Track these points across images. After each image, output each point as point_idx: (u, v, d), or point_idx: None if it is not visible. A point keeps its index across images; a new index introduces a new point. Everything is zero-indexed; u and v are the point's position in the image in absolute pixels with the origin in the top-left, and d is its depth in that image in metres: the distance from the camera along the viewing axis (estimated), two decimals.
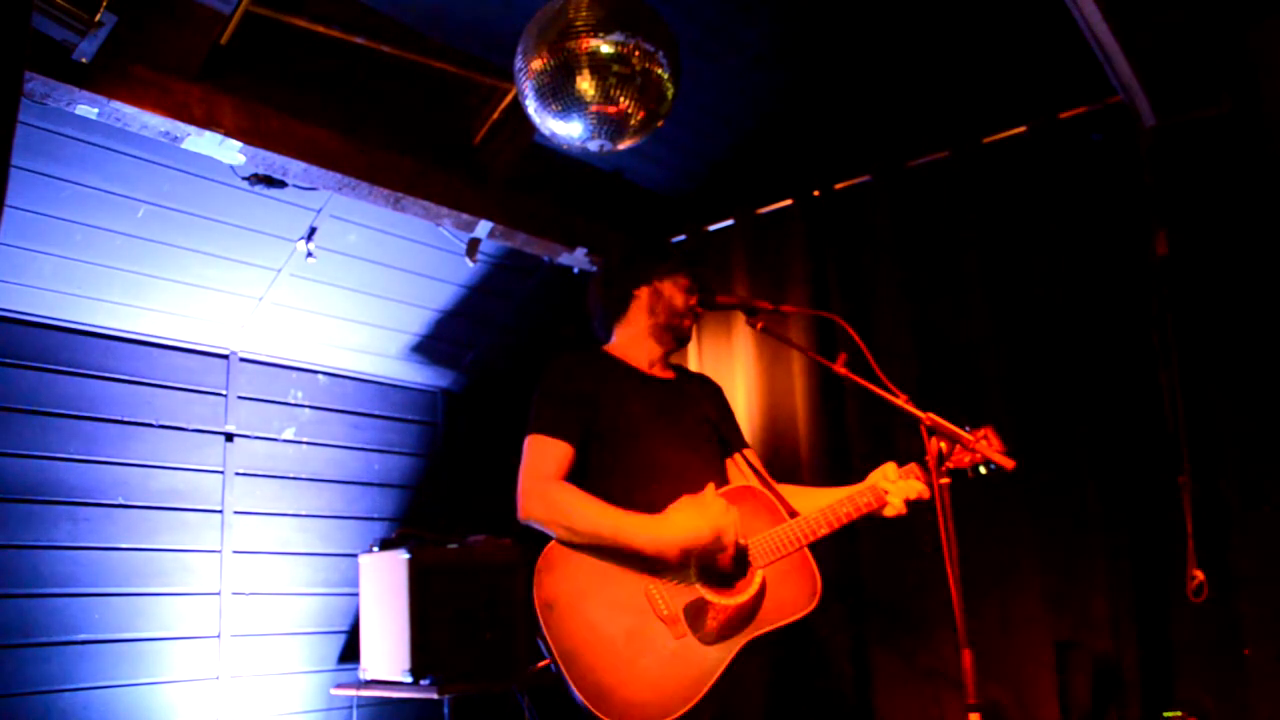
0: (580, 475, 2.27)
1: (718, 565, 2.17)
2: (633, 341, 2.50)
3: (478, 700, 3.64)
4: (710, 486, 2.21)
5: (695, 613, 2.14)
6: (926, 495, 2.26)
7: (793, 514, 2.30)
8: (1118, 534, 2.95)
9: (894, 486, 2.28)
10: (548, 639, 2.08)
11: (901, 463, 2.34)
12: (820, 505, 2.29)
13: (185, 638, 3.59)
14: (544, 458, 2.25)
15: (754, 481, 2.41)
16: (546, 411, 2.30)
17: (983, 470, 2.21)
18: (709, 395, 2.59)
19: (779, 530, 2.25)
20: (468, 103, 3.52)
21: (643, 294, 2.50)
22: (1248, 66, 2.74)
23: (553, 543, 2.18)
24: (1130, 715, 2.85)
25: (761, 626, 2.18)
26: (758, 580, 2.18)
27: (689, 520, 2.14)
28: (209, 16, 2.80)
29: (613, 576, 2.16)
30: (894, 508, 2.28)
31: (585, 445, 2.30)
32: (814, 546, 2.30)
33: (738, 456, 2.50)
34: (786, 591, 2.22)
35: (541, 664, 2.15)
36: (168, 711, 3.49)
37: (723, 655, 2.13)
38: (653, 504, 2.21)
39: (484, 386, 4.73)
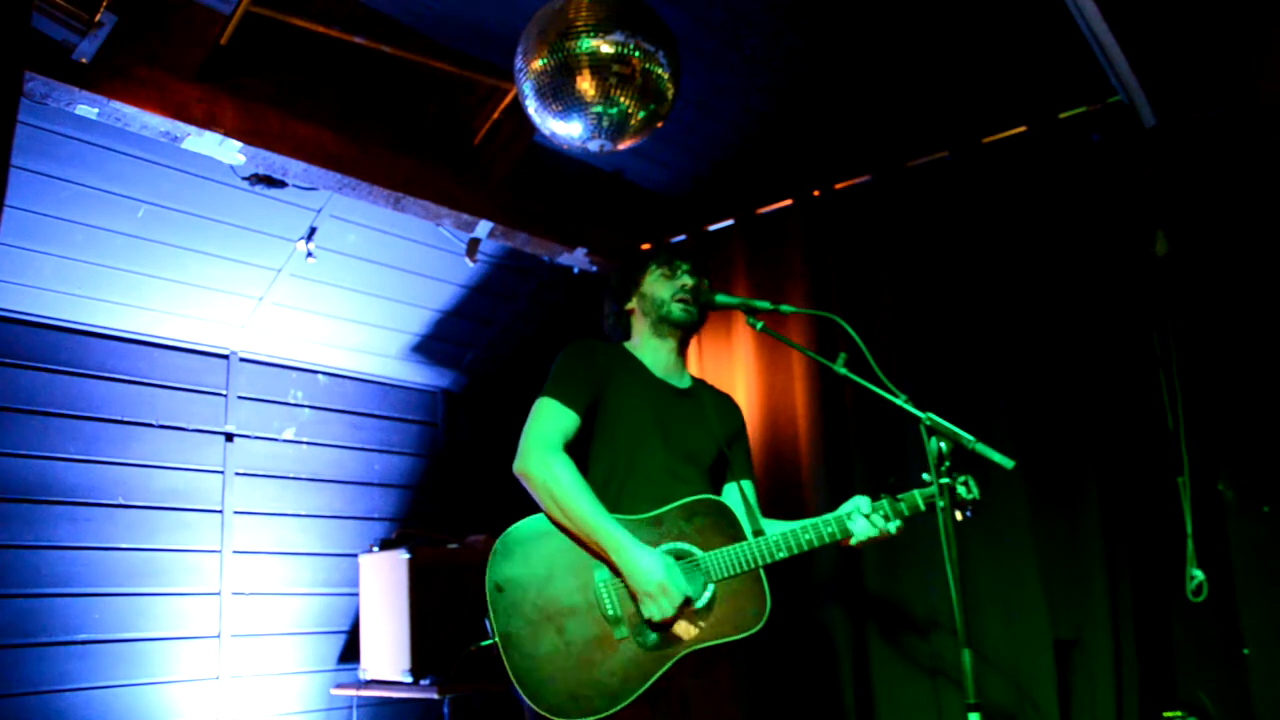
0: (573, 450, 2.31)
1: (646, 617, 2.16)
2: (641, 346, 2.54)
3: (478, 700, 3.64)
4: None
5: (640, 617, 2.16)
6: (889, 535, 2.30)
7: (757, 533, 2.30)
8: (1118, 533, 2.95)
9: (862, 524, 2.29)
10: (493, 622, 2.15)
11: (875, 495, 2.35)
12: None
13: (185, 638, 3.59)
14: (552, 422, 2.28)
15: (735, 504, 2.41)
16: (562, 379, 2.34)
17: (959, 516, 2.20)
18: (724, 415, 2.57)
19: (738, 548, 2.25)
20: (468, 103, 3.52)
21: (634, 305, 2.56)
22: (1255, 67, 2.73)
23: (514, 528, 2.24)
24: (1130, 715, 2.85)
25: (703, 639, 2.18)
26: (708, 593, 2.19)
27: (648, 565, 2.14)
28: (209, 16, 2.80)
29: (566, 569, 2.19)
30: (859, 541, 2.30)
31: (585, 420, 2.33)
32: (813, 550, 2.30)
33: (735, 486, 2.50)
34: (735, 608, 2.22)
35: (485, 644, 2.21)
36: (168, 711, 3.50)
37: (660, 661, 2.14)
38: (620, 500, 2.26)
39: (484, 386, 4.73)
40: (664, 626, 2.16)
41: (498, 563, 2.22)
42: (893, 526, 2.30)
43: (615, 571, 2.18)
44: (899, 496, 2.33)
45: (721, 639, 2.19)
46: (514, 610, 2.16)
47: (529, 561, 2.21)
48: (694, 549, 2.25)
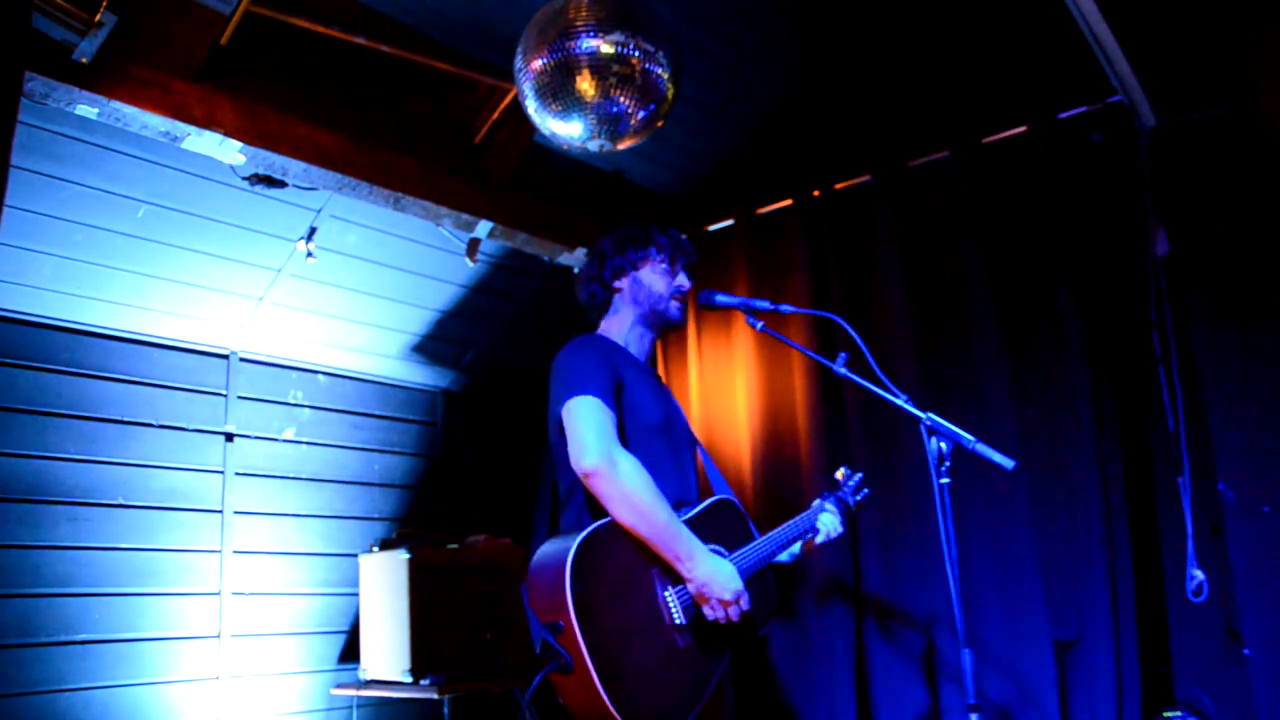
0: None
1: (713, 619, 2.18)
2: (624, 331, 2.52)
3: (478, 700, 3.64)
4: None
5: (696, 623, 2.17)
6: (839, 530, 2.63)
7: (756, 532, 2.45)
8: (1118, 534, 2.95)
9: (824, 518, 2.61)
10: (578, 636, 1.96)
11: (828, 489, 2.72)
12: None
13: (185, 638, 3.59)
14: (606, 421, 2.19)
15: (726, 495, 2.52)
16: (591, 375, 2.25)
17: (855, 510, 2.80)
18: (679, 406, 2.68)
19: (755, 548, 2.34)
20: (468, 103, 3.52)
21: (624, 284, 2.53)
22: (1249, 67, 2.74)
23: (582, 543, 2.07)
24: (1130, 715, 2.85)
25: (739, 638, 2.24)
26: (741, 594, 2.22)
27: (725, 572, 2.18)
28: (209, 16, 2.80)
29: (636, 580, 2.15)
30: (821, 538, 2.59)
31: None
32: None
33: (701, 457, 2.63)
34: (756, 607, 2.29)
35: (555, 666, 2.02)
36: (168, 711, 3.49)
37: (714, 663, 2.18)
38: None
39: (484, 386, 4.73)
40: (716, 629, 2.18)
41: (576, 580, 2.03)
42: (839, 521, 2.63)
43: (669, 578, 2.17)
44: (839, 497, 2.72)
45: (749, 634, 2.26)
46: (599, 628, 2.02)
47: (602, 576, 2.09)
48: (724, 550, 2.29)
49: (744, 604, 2.17)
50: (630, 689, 2.01)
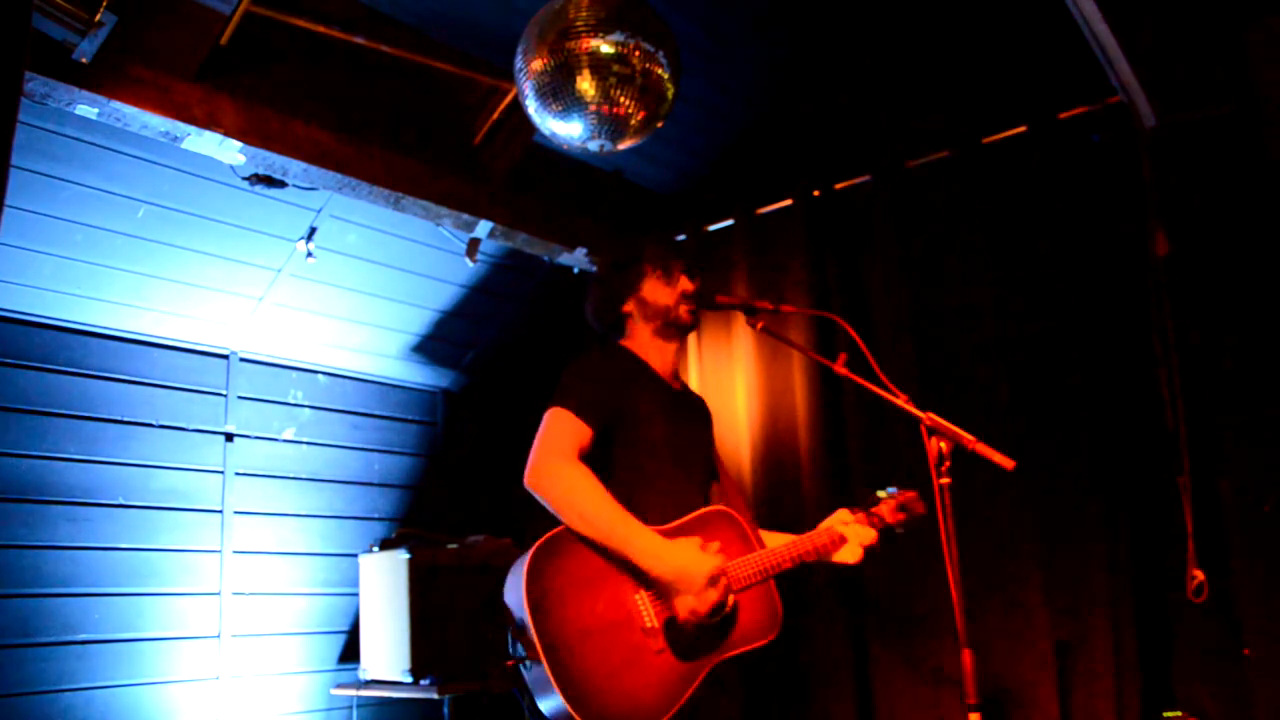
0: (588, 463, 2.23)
1: (685, 616, 2.14)
2: (644, 348, 2.49)
3: (478, 700, 3.64)
4: (716, 545, 2.23)
5: (673, 629, 2.14)
6: (875, 540, 2.45)
7: (761, 544, 2.36)
8: (1118, 534, 2.95)
9: (849, 531, 2.43)
10: (533, 634, 2.00)
11: (861, 504, 2.51)
12: (782, 541, 2.40)
13: (185, 638, 3.59)
14: (566, 434, 2.19)
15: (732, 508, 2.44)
16: (577, 389, 2.25)
17: (899, 531, 2.50)
18: (705, 420, 2.61)
19: (752, 559, 2.28)
20: (468, 103, 3.52)
21: (631, 308, 2.50)
22: (1245, 65, 2.74)
23: (551, 536, 2.12)
24: (1130, 715, 2.85)
25: (728, 650, 2.20)
26: (730, 604, 2.19)
27: (692, 561, 2.13)
28: (209, 16, 2.81)
29: (603, 581, 2.13)
30: (852, 553, 2.42)
31: (601, 434, 2.26)
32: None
33: (715, 485, 2.54)
34: (752, 618, 2.25)
35: (511, 662, 2.07)
36: (168, 711, 3.50)
37: (694, 673, 2.14)
38: (642, 511, 2.18)
39: (484, 387, 4.73)
40: (701, 635, 2.14)
41: (541, 572, 2.07)
42: (869, 536, 2.44)
43: (642, 581, 2.14)
44: (872, 510, 2.50)
45: (744, 648, 2.21)
46: (561, 624, 2.04)
47: (569, 573, 2.10)
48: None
49: (723, 597, 2.14)
50: (591, 688, 2.00)
